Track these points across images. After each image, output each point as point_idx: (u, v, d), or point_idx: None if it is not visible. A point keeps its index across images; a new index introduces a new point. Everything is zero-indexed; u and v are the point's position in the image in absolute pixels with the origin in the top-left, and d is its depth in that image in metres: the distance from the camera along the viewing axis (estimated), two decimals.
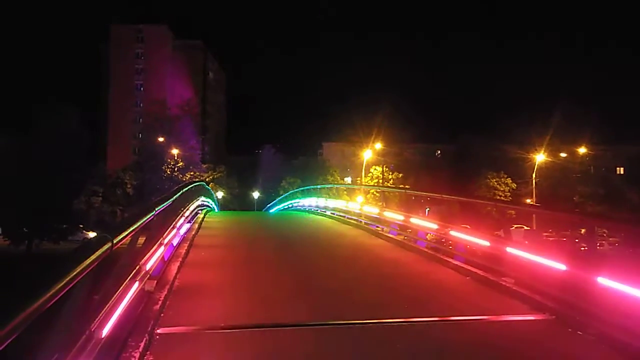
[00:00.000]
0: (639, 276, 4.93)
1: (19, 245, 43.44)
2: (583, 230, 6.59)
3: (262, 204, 60.05)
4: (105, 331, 3.82)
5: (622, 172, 71.76)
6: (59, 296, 2.52)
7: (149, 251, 6.24)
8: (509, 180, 61.81)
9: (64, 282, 2.61)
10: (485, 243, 8.05)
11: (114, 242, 3.71)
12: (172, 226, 8.92)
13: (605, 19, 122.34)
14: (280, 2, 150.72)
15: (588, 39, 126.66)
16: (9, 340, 2.00)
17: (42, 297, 2.33)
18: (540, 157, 56.25)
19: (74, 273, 2.79)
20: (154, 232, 6.81)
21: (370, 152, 56.51)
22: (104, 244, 3.50)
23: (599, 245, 8.27)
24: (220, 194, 59.67)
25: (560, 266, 6.05)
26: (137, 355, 4.07)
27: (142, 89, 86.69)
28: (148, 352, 4.30)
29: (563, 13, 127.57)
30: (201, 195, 18.62)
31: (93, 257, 3.17)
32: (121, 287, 4.51)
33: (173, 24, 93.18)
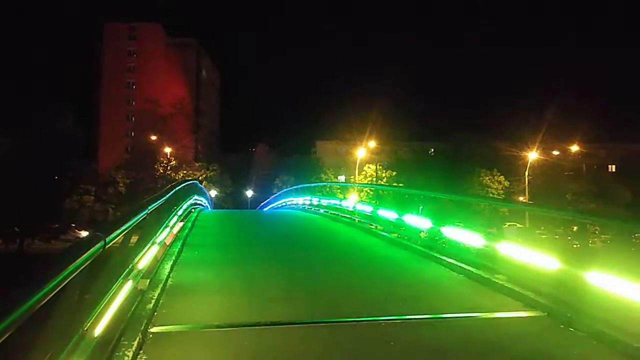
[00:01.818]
0: (630, 273, 4.98)
1: (10, 244, 43.13)
2: (575, 228, 6.63)
3: (255, 203, 60.01)
4: (99, 330, 3.81)
5: (614, 170, 72.30)
6: (51, 295, 2.51)
7: (141, 250, 6.23)
8: (502, 178, 62.04)
9: (57, 281, 2.60)
10: (478, 241, 8.09)
11: (107, 241, 3.70)
12: (165, 225, 8.90)
13: (597, 16, 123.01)
14: (274, 1, 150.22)
15: (581, 36, 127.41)
16: (2, 340, 1.99)
17: (35, 296, 2.33)
18: (533, 155, 56.58)
19: (67, 272, 2.78)
20: (147, 231, 6.79)
21: (363, 150, 56.59)
22: (97, 243, 3.49)
23: (590, 243, 8.34)
24: (213, 193, 59.55)
25: (552, 263, 6.10)
26: (131, 354, 4.06)
27: (134, 86, 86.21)
28: (141, 351, 4.29)
29: (556, 10, 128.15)
30: (194, 194, 18.57)
31: (85, 256, 3.16)
32: (114, 286, 4.49)
33: (166, 22, 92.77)
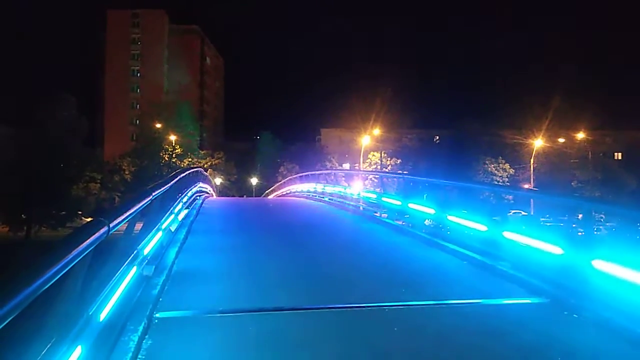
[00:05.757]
0: (635, 260, 4.95)
1: (18, 231, 43.51)
2: (580, 215, 6.59)
3: (260, 190, 60.16)
4: (104, 315, 3.83)
5: (620, 157, 71.82)
6: (54, 280, 2.51)
7: (146, 236, 6.25)
8: (507, 166, 61.84)
9: (60, 265, 2.60)
10: (482, 227, 8.07)
11: (110, 226, 3.69)
12: (169, 211, 8.92)
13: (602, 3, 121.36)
14: None
15: (587, 23, 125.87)
16: (5, 323, 1.99)
17: (39, 280, 2.33)
18: (538, 143, 56.28)
19: (71, 256, 2.78)
20: (152, 217, 6.80)
21: (368, 138, 56.47)
22: (101, 228, 3.49)
23: (595, 230, 8.31)
24: (218, 180, 59.69)
25: (557, 250, 6.08)
26: (136, 339, 4.09)
27: (139, 74, 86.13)
28: (147, 336, 4.32)
29: None
30: (199, 182, 18.60)
31: (89, 240, 3.16)
32: (119, 272, 4.51)
33: (170, 9, 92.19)
